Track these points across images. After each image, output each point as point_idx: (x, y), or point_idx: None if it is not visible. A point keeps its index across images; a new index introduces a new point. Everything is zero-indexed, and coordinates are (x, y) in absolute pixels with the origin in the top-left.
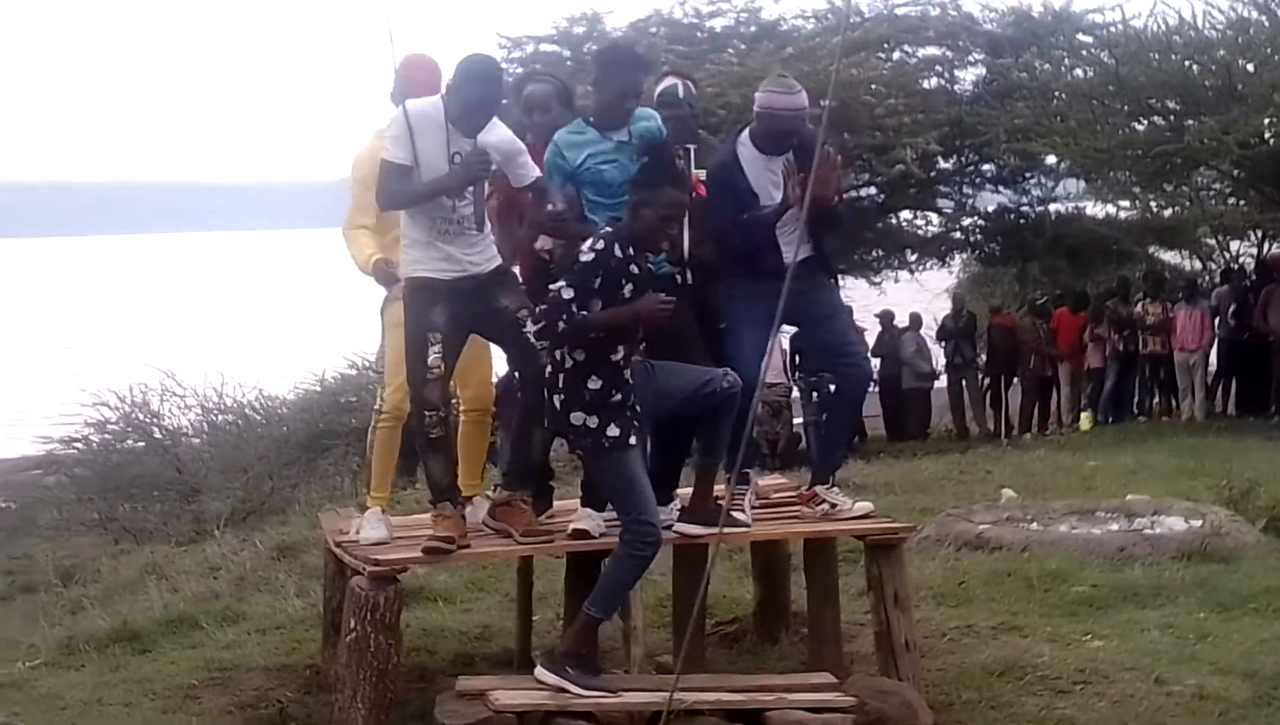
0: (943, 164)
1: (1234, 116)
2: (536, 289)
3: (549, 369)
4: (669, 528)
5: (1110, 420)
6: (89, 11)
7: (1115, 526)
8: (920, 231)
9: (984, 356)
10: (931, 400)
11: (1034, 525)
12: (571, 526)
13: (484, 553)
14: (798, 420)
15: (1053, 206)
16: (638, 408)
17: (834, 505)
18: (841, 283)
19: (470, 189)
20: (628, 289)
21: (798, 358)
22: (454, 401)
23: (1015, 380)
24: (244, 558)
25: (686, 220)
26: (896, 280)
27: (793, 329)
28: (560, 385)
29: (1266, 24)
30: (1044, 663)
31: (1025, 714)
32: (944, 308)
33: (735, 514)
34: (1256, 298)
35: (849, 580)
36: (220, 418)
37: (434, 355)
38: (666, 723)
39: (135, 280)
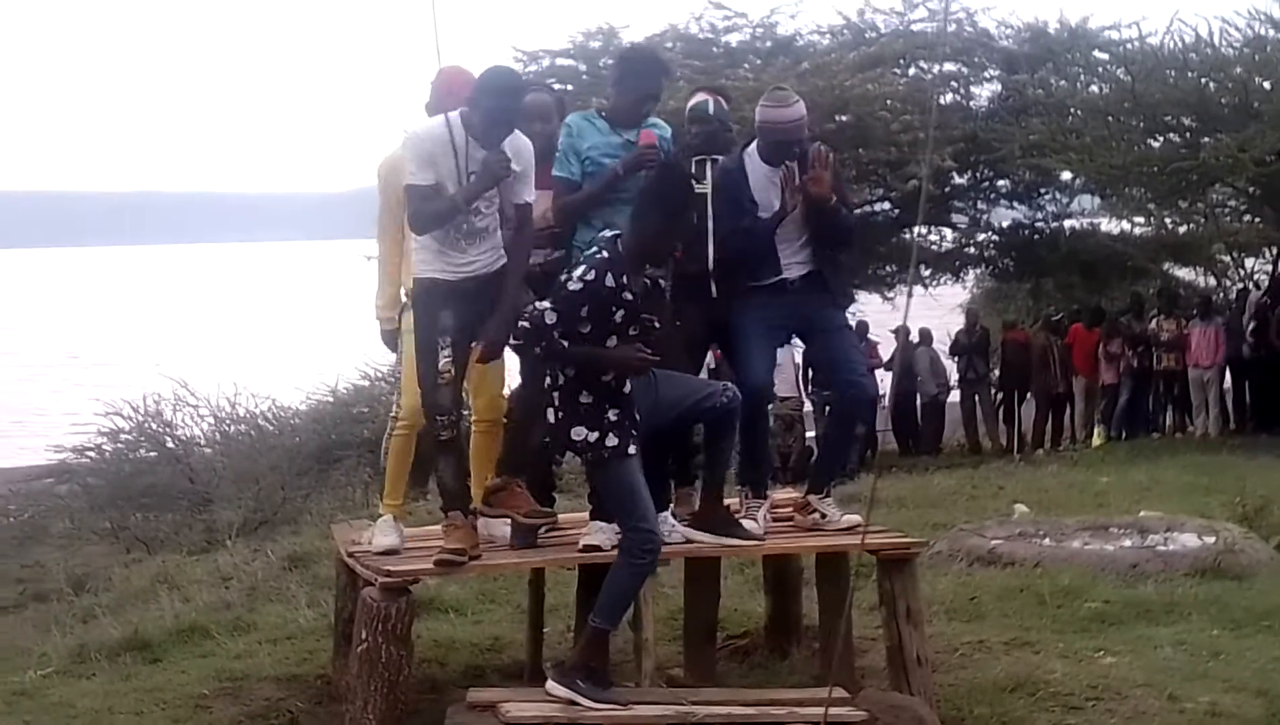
0: (958, 179)
1: (1250, 134)
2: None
3: (549, 387)
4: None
5: (1124, 436)
6: (104, 24)
7: (1128, 543)
8: (934, 247)
9: (997, 371)
10: (945, 415)
11: (1046, 541)
12: (583, 541)
13: (495, 564)
14: (810, 434)
15: (1067, 222)
16: (637, 417)
17: (824, 515)
18: (856, 299)
19: (489, 203)
20: (619, 315)
21: (810, 372)
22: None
23: (1029, 395)
24: (255, 568)
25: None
26: (910, 295)
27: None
28: (557, 401)
29: None
30: (1056, 679)
31: None
32: (957, 323)
33: (747, 523)
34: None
35: (861, 594)
36: (233, 428)
37: (444, 359)
38: None
39: (150, 291)
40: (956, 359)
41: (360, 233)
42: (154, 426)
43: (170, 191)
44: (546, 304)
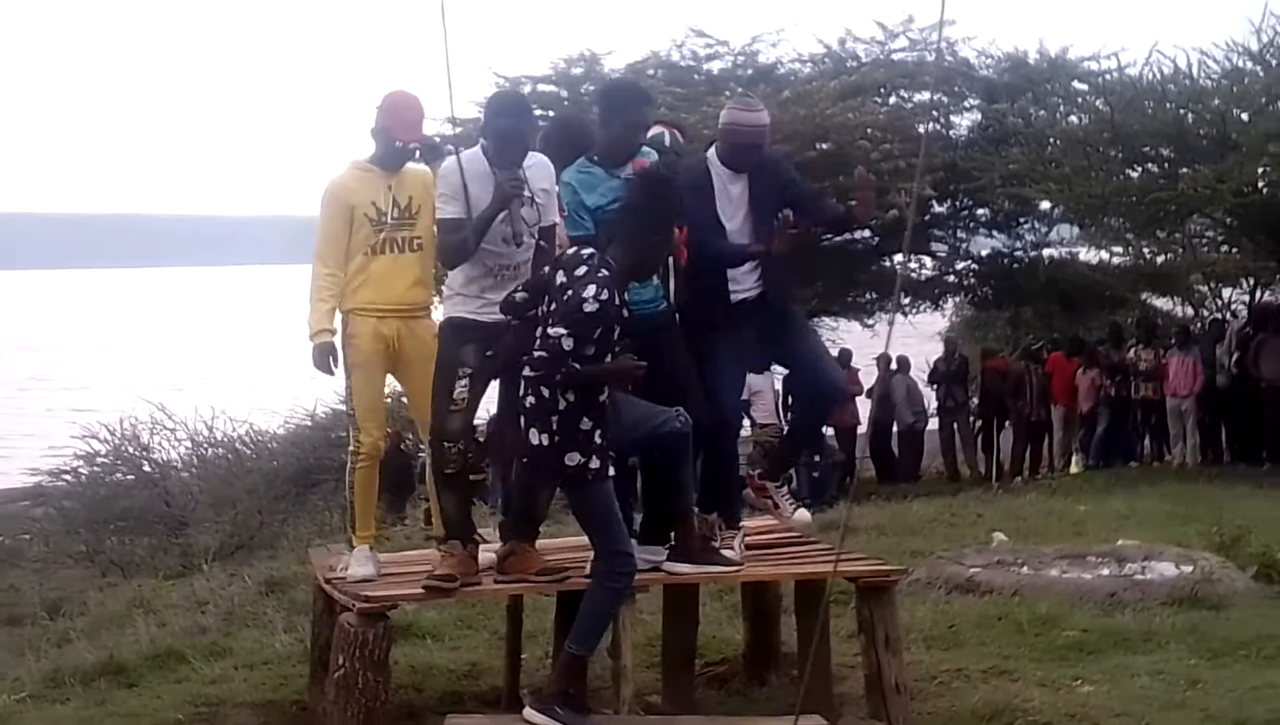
0: (937, 208)
1: (1228, 165)
2: None
3: (534, 409)
4: (658, 568)
5: (1102, 465)
6: (77, 46)
7: (1106, 571)
8: (914, 274)
9: (976, 400)
10: (923, 443)
11: (1025, 569)
12: (590, 567)
13: (474, 590)
14: None
15: (1046, 252)
16: (608, 440)
17: (777, 505)
18: (834, 324)
19: (527, 234)
20: (617, 333)
21: (790, 398)
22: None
23: (1007, 424)
24: (232, 592)
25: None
26: (890, 323)
27: (784, 371)
28: (555, 427)
29: (1261, 74)
30: (1034, 707)
31: None
32: (936, 351)
33: (726, 553)
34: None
35: (840, 622)
36: (210, 452)
37: (460, 388)
38: None
39: (127, 313)
40: (935, 387)
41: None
42: (131, 450)
43: (147, 213)
44: (562, 330)
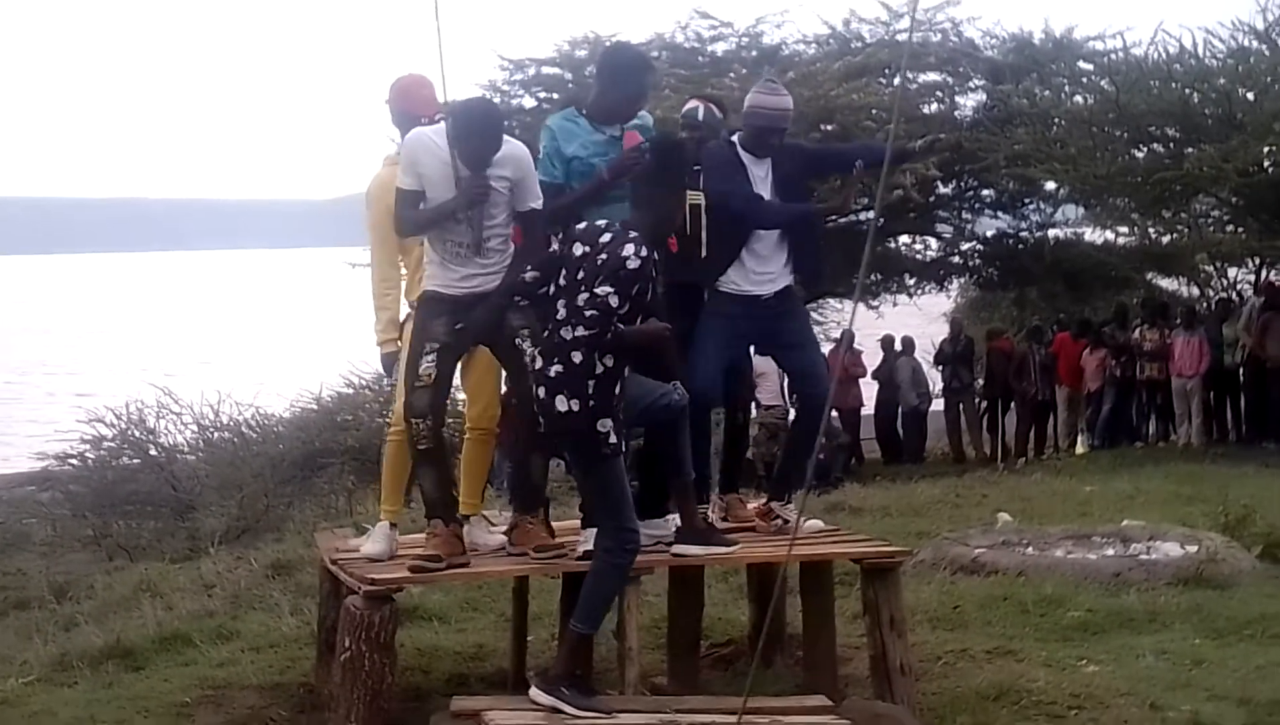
0: (942, 189)
1: (1233, 145)
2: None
3: (563, 376)
4: (668, 547)
5: (1107, 445)
6: (92, 31)
7: (1111, 552)
8: (919, 256)
9: (981, 380)
10: (927, 424)
11: (1030, 550)
12: (580, 548)
13: (479, 572)
14: None
15: (1051, 232)
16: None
17: (786, 522)
18: (839, 306)
19: (486, 217)
20: (649, 295)
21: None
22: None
23: (1012, 405)
24: (238, 576)
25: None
26: (895, 304)
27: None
28: (590, 391)
29: (1267, 53)
30: (1039, 688)
31: None
32: (941, 332)
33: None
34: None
35: (845, 603)
36: (216, 435)
37: (426, 362)
38: None
39: (135, 298)
40: (941, 368)
41: (345, 240)
42: (137, 433)
43: (157, 198)
44: (609, 288)
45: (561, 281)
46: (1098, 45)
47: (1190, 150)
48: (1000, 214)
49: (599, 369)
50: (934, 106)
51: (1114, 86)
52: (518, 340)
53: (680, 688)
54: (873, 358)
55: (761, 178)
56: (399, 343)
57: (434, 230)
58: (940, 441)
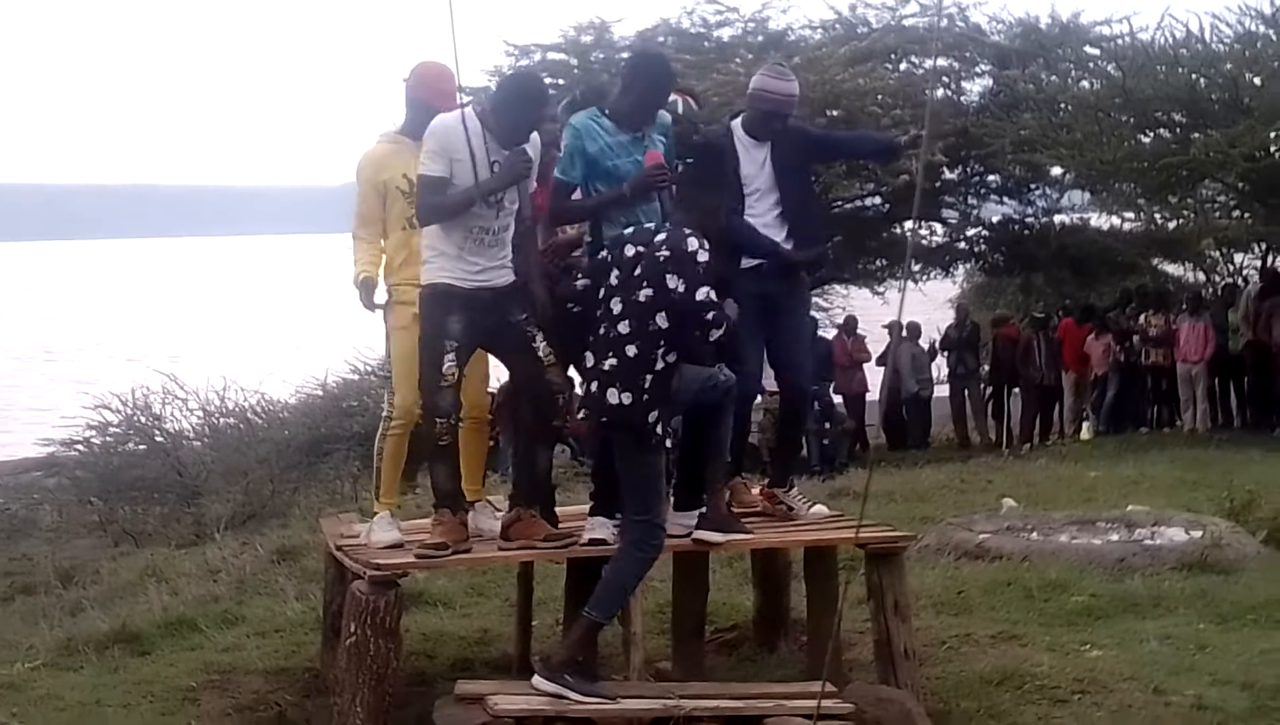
0: (948, 174)
1: (1240, 130)
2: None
3: (619, 370)
4: (688, 534)
5: (1112, 431)
6: (98, 17)
7: (1115, 537)
8: (925, 241)
9: (987, 366)
10: (932, 409)
11: (1034, 535)
12: (586, 536)
13: (485, 558)
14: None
15: (1057, 218)
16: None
17: (791, 508)
18: (845, 291)
19: (509, 199)
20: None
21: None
22: None
23: (1017, 390)
24: (244, 561)
25: None
26: (900, 290)
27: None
28: (647, 385)
29: (1274, 38)
30: (1043, 672)
31: (1023, 723)
32: (947, 317)
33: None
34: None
35: (849, 588)
36: (222, 421)
37: (449, 362)
38: None
39: (141, 284)
40: (946, 354)
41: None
42: (143, 419)
43: (163, 185)
44: (678, 281)
45: (613, 281)
46: (1104, 30)
47: (1196, 135)
48: (1006, 199)
49: (659, 365)
50: (940, 92)
51: (1120, 71)
52: (528, 333)
53: (685, 673)
54: (876, 344)
55: (760, 161)
56: (376, 277)
57: (460, 216)
58: (945, 427)
